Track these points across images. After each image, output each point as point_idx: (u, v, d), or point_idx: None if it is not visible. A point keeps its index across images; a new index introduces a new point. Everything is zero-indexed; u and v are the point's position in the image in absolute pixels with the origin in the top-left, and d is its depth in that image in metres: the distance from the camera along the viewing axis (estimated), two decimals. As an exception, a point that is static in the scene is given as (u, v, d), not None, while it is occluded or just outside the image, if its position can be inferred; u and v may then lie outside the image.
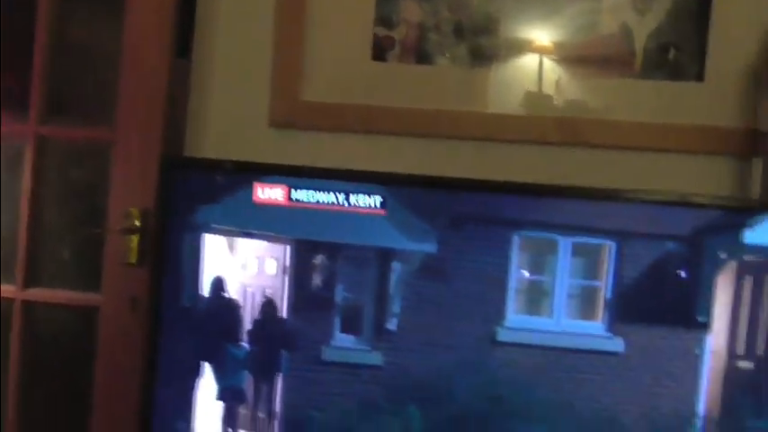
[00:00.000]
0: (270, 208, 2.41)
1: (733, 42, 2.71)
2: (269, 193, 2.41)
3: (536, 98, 2.75)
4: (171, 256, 2.43)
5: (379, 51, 2.82)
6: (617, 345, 2.35)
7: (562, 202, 2.33)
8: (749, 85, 2.70)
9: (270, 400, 2.47)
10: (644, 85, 2.75)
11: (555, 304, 2.37)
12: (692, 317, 2.34)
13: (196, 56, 2.87)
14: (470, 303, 2.37)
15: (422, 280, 2.38)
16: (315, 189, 2.41)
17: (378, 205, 2.37)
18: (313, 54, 2.83)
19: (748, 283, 2.37)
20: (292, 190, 2.41)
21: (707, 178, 2.73)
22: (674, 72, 2.74)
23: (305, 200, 2.41)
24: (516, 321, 2.38)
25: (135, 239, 2.63)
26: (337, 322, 2.44)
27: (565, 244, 2.36)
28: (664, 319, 2.34)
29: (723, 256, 2.34)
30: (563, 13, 2.73)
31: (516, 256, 2.36)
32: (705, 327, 2.34)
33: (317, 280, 2.41)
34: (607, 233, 2.35)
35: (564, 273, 2.36)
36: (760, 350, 2.38)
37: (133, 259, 2.65)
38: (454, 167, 2.63)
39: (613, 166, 2.74)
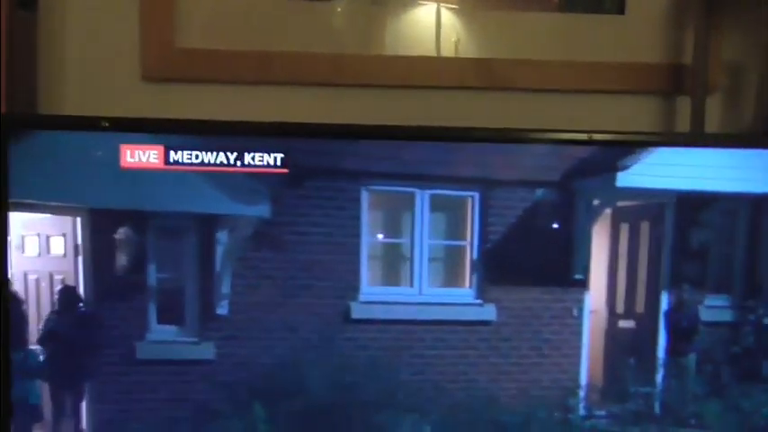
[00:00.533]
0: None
1: None
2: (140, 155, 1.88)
3: (447, 39, 2.35)
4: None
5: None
6: (488, 313, 1.99)
7: (413, 147, 1.93)
8: (672, 17, 2.42)
9: (75, 416, 1.93)
10: (563, 20, 2.39)
11: (416, 270, 1.97)
12: (568, 275, 2.01)
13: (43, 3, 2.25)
14: (316, 276, 1.92)
15: (255, 251, 1.91)
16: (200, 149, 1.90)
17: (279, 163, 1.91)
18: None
19: (624, 233, 2.07)
20: (171, 151, 1.89)
21: (631, 118, 2.43)
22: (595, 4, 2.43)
23: (187, 161, 1.89)
24: (372, 294, 1.96)
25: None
26: (153, 311, 1.91)
27: (422, 197, 1.96)
28: (538, 279, 2.00)
29: (596, 202, 2.02)
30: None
31: (366, 216, 1.94)
32: (583, 285, 2.01)
33: (121, 259, 1.88)
34: (469, 182, 1.97)
35: (423, 232, 1.97)
36: (641, 308, 2.08)
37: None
38: (362, 118, 2.15)
39: (532, 110, 2.37)
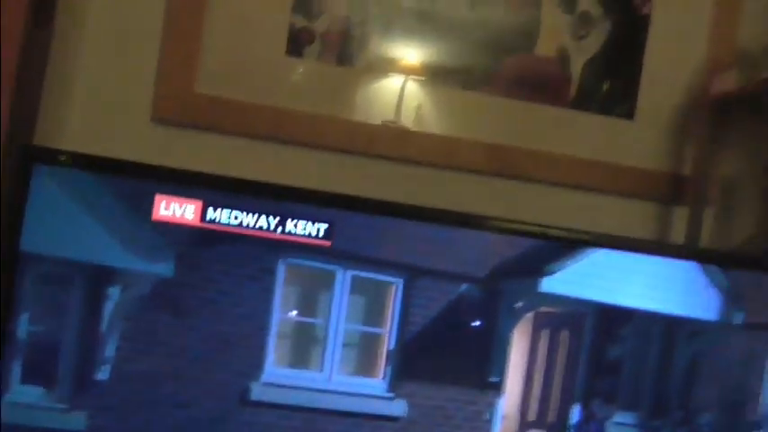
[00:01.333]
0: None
1: (664, 81, 1.82)
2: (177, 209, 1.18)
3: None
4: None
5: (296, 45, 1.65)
6: (399, 408, 1.32)
7: (341, 221, 1.28)
8: (677, 127, 1.83)
9: None
10: (576, 117, 1.78)
11: (327, 355, 1.30)
12: (484, 376, 1.36)
13: (59, 24, 1.55)
14: (217, 348, 1.24)
15: (150, 313, 1.22)
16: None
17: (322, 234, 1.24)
18: (213, 37, 1.61)
19: (544, 338, 1.43)
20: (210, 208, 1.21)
21: (627, 220, 1.80)
22: (607, 107, 1.80)
23: (224, 221, 1.20)
24: (277, 375, 1.28)
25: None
26: (17, 368, 1.20)
27: (343, 277, 1.31)
28: (453, 377, 1.34)
29: (519, 304, 1.39)
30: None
31: (281, 290, 1.27)
32: (498, 388, 1.36)
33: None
34: (395, 266, 1.33)
35: (340, 315, 1.31)
36: (552, 418, 1.43)
37: None
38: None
39: (530, 201, 1.75)
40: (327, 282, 1.30)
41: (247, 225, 1.23)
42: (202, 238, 1.21)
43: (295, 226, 1.25)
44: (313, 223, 1.26)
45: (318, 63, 1.65)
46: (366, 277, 1.32)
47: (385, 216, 1.28)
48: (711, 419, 1.47)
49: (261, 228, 1.24)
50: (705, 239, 1.77)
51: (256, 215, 1.24)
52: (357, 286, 1.31)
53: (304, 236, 1.26)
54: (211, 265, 1.23)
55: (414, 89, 1.68)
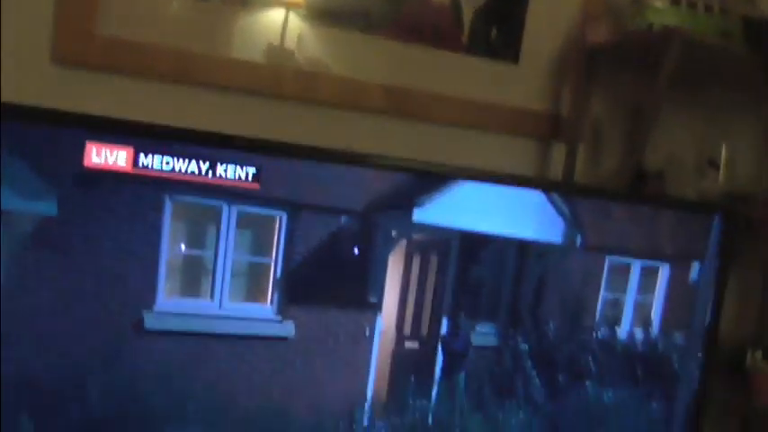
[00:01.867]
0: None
1: (546, 29, 1.64)
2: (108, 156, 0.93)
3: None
4: None
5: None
6: (287, 329, 1.16)
7: (226, 156, 1.09)
8: (556, 71, 1.67)
9: None
10: (467, 61, 1.59)
11: (217, 284, 1.13)
12: (364, 297, 1.22)
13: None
14: (108, 282, 1.04)
15: (38, 251, 1.01)
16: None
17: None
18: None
19: (416, 262, 1.31)
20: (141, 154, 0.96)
21: (511, 156, 1.64)
22: (494, 52, 1.63)
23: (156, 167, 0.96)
24: (169, 305, 1.09)
25: None
26: None
27: (229, 212, 1.13)
28: (336, 299, 1.20)
29: (394, 233, 1.26)
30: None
31: (169, 225, 1.08)
32: (376, 307, 1.23)
33: None
34: (277, 202, 1.16)
35: (228, 247, 1.13)
36: (424, 331, 1.32)
37: None
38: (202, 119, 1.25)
39: (423, 139, 1.56)
40: (214, 217, 1.11)
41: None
42: (80, 178, 1.00)
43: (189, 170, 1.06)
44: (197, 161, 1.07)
45: (221, 3, 1.42)
46: (251, 212, 1.14)
47: (270, 155, 1.10)
48: (555, 327, 1.40)
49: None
50: (579, 173, 1.68)
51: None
52: (243, 220, 1.14)
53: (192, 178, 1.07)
54: (96, 202, 1.02)
55: (308, 32, 1.47)
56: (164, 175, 1.04)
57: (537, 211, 1.32)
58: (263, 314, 1.15)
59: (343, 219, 1.19)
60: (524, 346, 1.37)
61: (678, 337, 1.50)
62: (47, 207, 0.97)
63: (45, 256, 0.99)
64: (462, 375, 1.34)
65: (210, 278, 1.11)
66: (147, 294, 1.05)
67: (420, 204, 1.25)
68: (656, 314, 1.48)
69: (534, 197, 1.31)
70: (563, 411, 1.40)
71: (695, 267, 1.47)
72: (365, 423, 1.25)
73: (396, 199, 1.23)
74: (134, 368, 1.05)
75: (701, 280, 1.47)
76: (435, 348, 1.31)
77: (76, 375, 1.01)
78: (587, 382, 1.42)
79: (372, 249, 1.21)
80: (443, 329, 1.31)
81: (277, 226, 1.15)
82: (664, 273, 1.48)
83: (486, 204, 1.30)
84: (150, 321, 1.06)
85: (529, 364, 1.38)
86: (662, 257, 1.46)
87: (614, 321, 1.46)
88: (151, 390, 1.06)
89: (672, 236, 1.47)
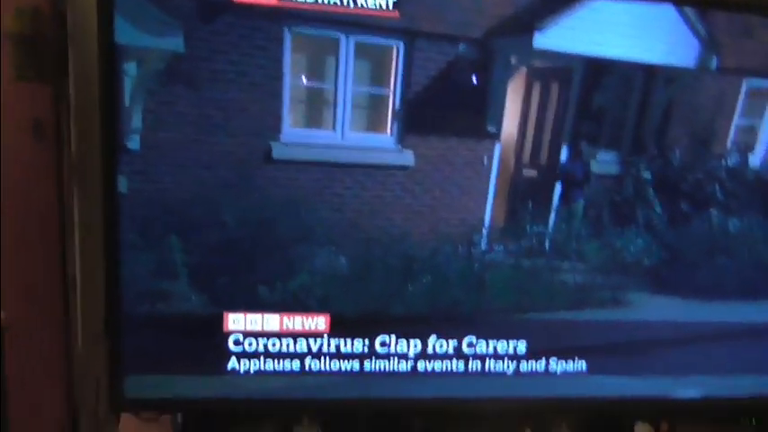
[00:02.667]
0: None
1: None
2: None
3: None
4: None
5: None
6: (407, 158, 1.19)
7: None
8: None
9: None
10: None
11: (338, 115, 1.16)
12: (482, 126, 1.21)
13: None
14: (236, 115, 1.10)
15: (169, 87, 1.07)
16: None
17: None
18: None
19: (537, 90, 1.27)
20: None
21: None
22: None
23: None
24: (294, 135, 1.14)
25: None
26: None
27: (347, 43, 1.12)
28: (455, 129, 1.20)
29: (514, 60, 1.21)
30: None
31: (289, 58, 1.10)
32: (495, 137, 1.22)
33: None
34: (394, 31, 1.13)
35: (348, 78, 1.14)
36: (543, 159, 1.31)
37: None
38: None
39: None
40: (333, 49, 1.12)
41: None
42: (204, 12, 1.02)
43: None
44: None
45: None
46: (368, 42, 1.14)
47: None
48: (681, 154, 1.34)
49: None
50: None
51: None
52: (361, 51, 1.14)
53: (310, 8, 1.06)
54: (219, 37, 1.05)
55: None
56: (285, 4, 1.04)
57: (668, 31, 1.22)
58: (383, 144, 1.18)
59: (462, 46, 1.16)
60: (647, 174, 1.34)
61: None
62: (174, 43, 1.01)
63: (178, 91, 1.04)
64: (581, 203, 1.34)
65: (332, 109, 1.14)
66: (274, 125, 1.10)
67: (541, 28, 1.19)
68: (795, 141, 1.38)
69: (665, 14, 1.21)
70: (684, 239, 1.38)
71: None
72: (483, 247, 1.30)
73: (515, 24, 1.17)
74: (264, 195, 1.13)
75: None
76: (554, 176, 1.31)
77: (213, 202, 1.11)
78: (712, 211, 1.39)
79: (491, 77, 1.19)
80: (563, 157, 1.30)
81: (395, 56, 1.14)
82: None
83: (611, 26, 1.21)
84: (278, 151, 1.12)
85: (651, 192, 1.36)
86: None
87: (747, 149, 1.38)
88: (281, 215, 1.15)
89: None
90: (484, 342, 1.29)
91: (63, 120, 1.08)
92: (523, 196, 1.31)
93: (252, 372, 1.20)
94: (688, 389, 1.40)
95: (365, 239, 1.21)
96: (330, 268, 1.18)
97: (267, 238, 1.15)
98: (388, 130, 1.17)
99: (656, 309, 1.34)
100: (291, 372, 1.21)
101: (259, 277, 1.15)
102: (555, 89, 1.25)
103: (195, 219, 1.10)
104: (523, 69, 1.22)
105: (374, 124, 1.17)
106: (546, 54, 1.20)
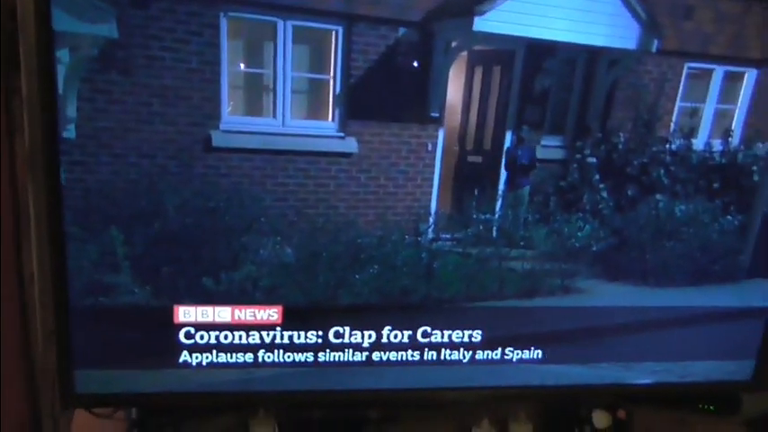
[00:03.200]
0: None
1: None
2: None
3: None
4: None
5: None
6: (350, 145, 1.20)
7: None
8: None
9: None
10: None
11: (278, 102, 1.16)
12: (425, 112, 1.23)
13: None
14: (174, 103, 1.10)
15: (103, 74, 1.06)
16: None
17: None
18: None
19: (479, 75, 1.29)
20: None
21: None
22: None
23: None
24: (234, 123, 1.15)
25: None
26: None
27: (284, 27, 1.13)
28: (397, 115, 1.21)
29: (454, 44, 1.23)
30: None
31: (226, 44, 1.10)
32: (438, 122, 1.24)
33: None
34: (333, 15, 1.14)
35: (286, 64, 1.15)
36: (487, 145, 1.33)
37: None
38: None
39: None
40: (270, 33, 1.12)
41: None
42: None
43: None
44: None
45: None
46: (306, 26, 1.14)
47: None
48: (626, 139, 1.38)
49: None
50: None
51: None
52: (299, 36, 1.14)
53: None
54: (153, 23, 1.05)
55: None
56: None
57: (608, 13, 1.25)
58: (325, 130, 1.18)
59: (401, 30, 1.17)
60: (592, 159, 1.37)
61: (761, 148, 1.46)
62: (107, 29, 1.01)
63: (113, 78, 1.04)
64: (527, 189, 1.36)
65: (272, 96, 1.14)
66: (212, 113, 1.10)
67: (481, 12, 1.21)
68: (737, 124, 1.43)
69: (605, -3, 1.24)
70: (631, 224, 1.42)
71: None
72: (430, 236, 1.31)
73: (455, 7, 1.19)
74: (205, 185, 1.13)
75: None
76: (499, 162, 1.33)
77: (153, 192, 1.10)
78: (658, 195, 1.42)
79: (432, 61, 1.20)
80: (507, 143, 1.32)
81: (334, 40, 1.15)
82: (749, 79, 1.40)
83: (552, 9, 1.24)
84: (218, 139, 1.12)
85: (597, 177, 1.39)
86: (748, 62, 1.38)
87: (691, 132, 1.42)
88: (223, 205, 1.15)
89: (761, 37, 1.38)
90: (439, 332, 1.30)
91: (17, 112, 1.06)
92: (469, 183, 1.32)
93: (204, 365, 1.20)
94: (643, 375, 1.43)
95: (310, 229, 1.21)
96: (276, 258, 1.18)
97: (210, 228, 1.15)
98: (330, 117, 1.18)
99: (608, 295, 1.36)
100: (245, 364, 1.21)
101: (203, 269, 1.15)
102: (497, 73, 1.28)
103: (135, 210, 1.09)
104: (464, 53, 1.24)
105: (315, 111, 1.18)
106: (487, 37, 1.22)
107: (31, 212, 1.07)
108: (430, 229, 1.31)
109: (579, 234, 1.39)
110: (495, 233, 1.35)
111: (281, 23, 1.11)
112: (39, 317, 1.14)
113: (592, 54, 1.29)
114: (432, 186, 1.27)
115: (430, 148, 1.25)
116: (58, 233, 1.06)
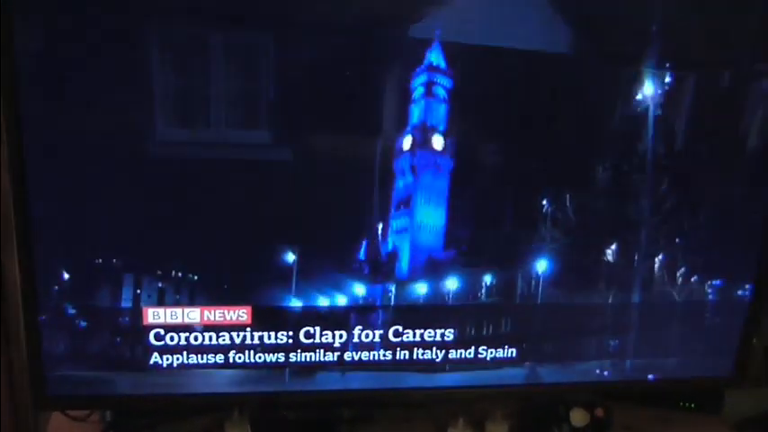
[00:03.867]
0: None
1: None
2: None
3: None
4: None
5: None
6: (284, 154, 1.23)
7: None
8: None
9: None
10: None
11: (212, 112, 1.19)
12: (361, 121, 1.27)
13: None
14: (106, 117, 1.13)
15: (31, 87, 1.09)
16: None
17: None
18: None
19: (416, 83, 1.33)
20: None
21: None
22: None
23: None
24: (169, 135, 1.17)
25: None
26: None
27: (214, 41, 1.17)
28: (333, 124, 1.26)
29: (389, 52, 1.27)
30: None
31: (157, 55, 1.13)
32: (375, 132, 1.28)
33: None
34: (263, 25, 1.18)
35: (218, 74, 1.18)
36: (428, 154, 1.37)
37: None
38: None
39: None
40: (200, 47, 1.16)
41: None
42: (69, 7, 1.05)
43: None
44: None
45: None
46: (236, 36, 1.18)
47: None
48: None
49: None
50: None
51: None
52: (230, 45, 1.18)
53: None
54: (82, 33, 1.08)
55: None
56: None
57: (539, 17, 1.29)
58: (259, 140, 1.21)
59: (335, 38, 1.21)
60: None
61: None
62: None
63: (42, 92, 1.06)
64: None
65: (205, 106, 1.17)
66: (146, 125, 1.13)
67: (415, 19, 1.25)
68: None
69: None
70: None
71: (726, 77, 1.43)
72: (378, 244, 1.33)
73: (389, 14, 1.23)
74: (142, 197, 1.15)
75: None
76: (440, 171, 1.36)
77: (92, 206, 1.12)
78: (607, 198, 1.43)
79: (367, 70, 1.24)
80: (447, 152, 1.35)
81: (266, 49, 1.18)
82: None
83: (483, 14, 1.28)
84: (153, 151, 1.14)
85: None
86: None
87: (634, 138, 1.45)
88: (161, 216, 1.17)
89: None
90: (410, 331, 1.32)
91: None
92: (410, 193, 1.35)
93: (176, 366, 1.21)
94: (620, 373, 1.42)
95: (248, 241, 1.23)
96: (218, 269, 1.21)
97: (150, 240, 1.17)
98: (264, 126, 1.21)
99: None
100: (215, 365, 1.22)
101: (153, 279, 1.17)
102: (433, 81, 1.31)
103: (75, 224, 1.11)
104: (397, 61, 1.28)
105: (249, 120, 1.21)
106: (421, 44, 1.25)
107: (11, 214, 1.09)
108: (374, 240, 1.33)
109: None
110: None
111: (212, 33, 1.14)
112: (22, 320, 1.15)
113: (526, 58, 1.31)
114: (372, 196, 1.29)
115: (367, 157, 1.28)
116: (24, 233, 1.07)
